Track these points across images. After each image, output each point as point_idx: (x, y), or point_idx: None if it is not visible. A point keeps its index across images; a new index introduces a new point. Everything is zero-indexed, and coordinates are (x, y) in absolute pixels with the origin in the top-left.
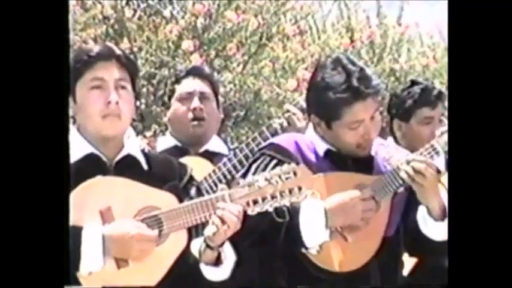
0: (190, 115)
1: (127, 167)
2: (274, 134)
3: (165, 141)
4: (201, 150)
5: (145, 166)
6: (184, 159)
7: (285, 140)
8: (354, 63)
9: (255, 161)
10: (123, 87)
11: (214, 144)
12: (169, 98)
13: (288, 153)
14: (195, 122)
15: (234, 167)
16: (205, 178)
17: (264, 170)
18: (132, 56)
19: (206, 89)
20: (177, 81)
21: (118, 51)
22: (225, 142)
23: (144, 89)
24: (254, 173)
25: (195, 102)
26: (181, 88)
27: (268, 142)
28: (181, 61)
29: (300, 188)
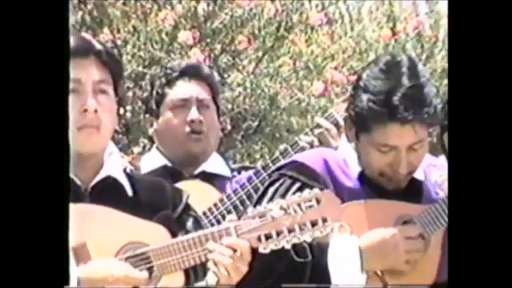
0: (187, 128)
1: (107, 192)
2: None
3: (151, 160)
4: (197, 171)
5: (129, 191)
6: (180, 184)
7: (311, 157)
8: (414, 76)
9: (272, 184)
10: (104, 92)
11: (213, 164)
12: (158, 104)
13: (314, 174)
14: (193, 137)
15: (248, 195)
16: (209, 209)
17: (284, 195)
18: (115, 52)
19: (205, 94)
20: (168, 83)
21: (98, 46)
22: (226, 161)
23: (130, 93)
24: (271, 200)
25: (193, 113)
26: (175, 93)
27: (289, 159)
28: (178, 57)
29: (324, 220)
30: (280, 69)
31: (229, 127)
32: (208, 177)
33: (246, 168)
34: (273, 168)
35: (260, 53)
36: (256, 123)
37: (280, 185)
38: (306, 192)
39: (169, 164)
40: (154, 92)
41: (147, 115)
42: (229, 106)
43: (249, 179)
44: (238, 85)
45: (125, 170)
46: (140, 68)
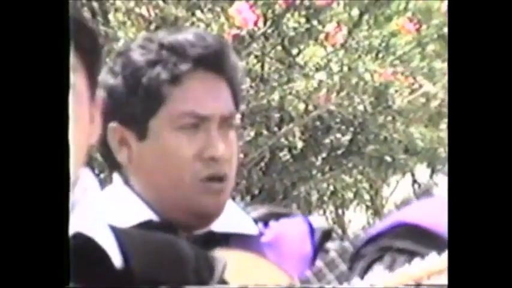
0: (203, 170)
1: (75, 263)
2: None
3: (122, 207)
4: (200, 231)
5: (117, 260)
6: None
7: (429, 212)
8: None
9: (368, 269)
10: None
11: (227, 215)
12: (147, 113)
13: (439, 243)
14: (212, 187)
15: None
16: None
17: None
18: (95, 9)
19: (231, 106)
20: (173, 80)
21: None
22: (243, 207)
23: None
24: None
25: (217, 146)
26: (185, 102)
27: (393, 221)
28: (209, 18)
29: None
30: (392, 40)
31: (299, 144)
32: (220, 240)
33: (276, 216)
34: (368, 235)
35: (356, 11)
36: (348, 136)
37: (388, 268)
38: (431, 260)
39: (155, 219)
40: (140, 89)
41: (114, 124)
42: (301, 106)
43: (330, 263)
44: (317, 69)
45: (111, 225)
46: (142, 36)
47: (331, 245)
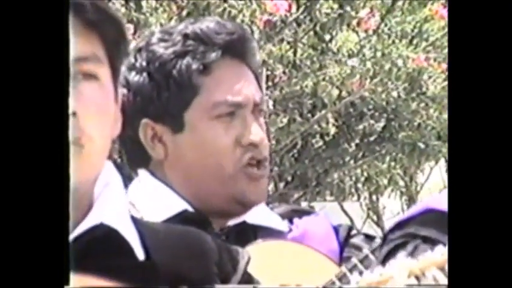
0: (243, 156)
1: (96, 253)
2: None
3: (154, 200)
4: (232, 222)
5: (139, 252)
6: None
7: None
8: None
9: (391, 253)
10: (91, 76)
11: (257, 214)
12: (180, 106)
13: None
14: (254, 173)
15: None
16: None
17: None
18: (128, 5)
19: (259, 91)
20: (205, 69)
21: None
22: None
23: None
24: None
25: (256, 131)
26: (218, 90)
27: (424, 207)
28: (241, 4)
29: None
30: (425, 26)
31: (332, 130)
32: (248, 232)
33: (299, 213)
34: (398, 219)
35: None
36: (381, 123)
37: (410, 255)
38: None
39: (189, 209)
40: (171, 82)
41: (146, 119)
42: (334, 93)
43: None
44: (350, 55)
45: (134, 217)
46: (172, 24)
47: (356, 240)
